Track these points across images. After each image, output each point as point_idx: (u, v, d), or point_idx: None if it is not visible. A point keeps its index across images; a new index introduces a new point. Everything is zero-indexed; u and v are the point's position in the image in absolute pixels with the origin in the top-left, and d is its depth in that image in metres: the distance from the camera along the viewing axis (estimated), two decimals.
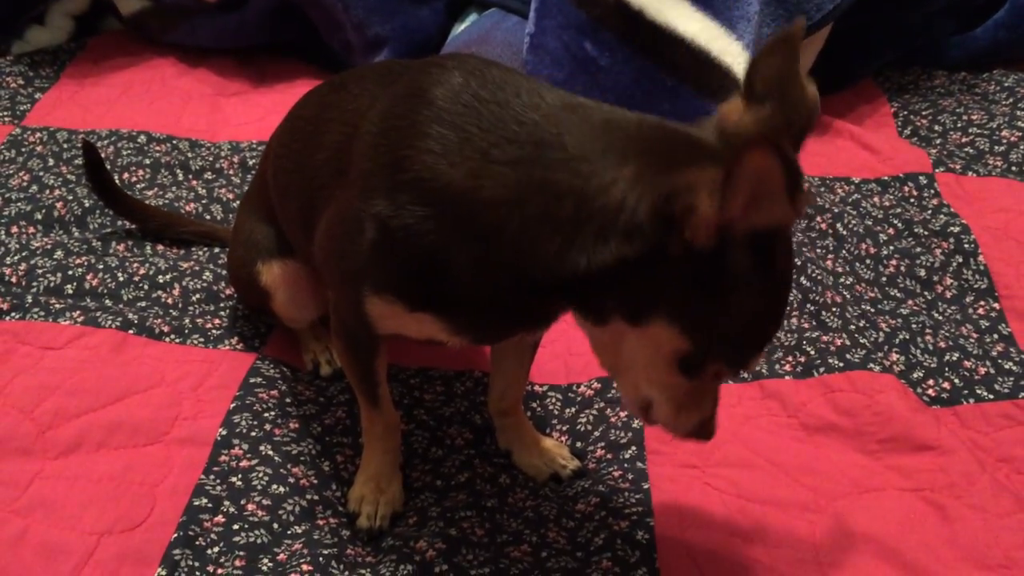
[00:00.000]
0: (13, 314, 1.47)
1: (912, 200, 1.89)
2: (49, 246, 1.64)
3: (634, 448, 1.35)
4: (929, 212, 1.83)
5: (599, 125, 0.93)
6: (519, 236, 0.92)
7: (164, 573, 1.13)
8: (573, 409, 1.45)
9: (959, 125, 2.09)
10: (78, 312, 1.49)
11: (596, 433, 1.40)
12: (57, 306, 1.50)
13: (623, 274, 0.89)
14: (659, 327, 0.91)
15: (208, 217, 1.81)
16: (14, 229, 1.69)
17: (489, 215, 0.93)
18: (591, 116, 0.94)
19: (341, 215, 1.08)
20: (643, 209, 0.85)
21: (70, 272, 1.58)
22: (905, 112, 2.18)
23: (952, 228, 1.75)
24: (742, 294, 0.88)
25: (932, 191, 1.90)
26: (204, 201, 1.83)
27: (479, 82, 0.98)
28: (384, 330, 1.12)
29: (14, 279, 1.56)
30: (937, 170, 1.95)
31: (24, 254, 1.61)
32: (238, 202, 1.83)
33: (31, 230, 1.69)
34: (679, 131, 0.94)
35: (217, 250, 1.71)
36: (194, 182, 1.89)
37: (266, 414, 1.38)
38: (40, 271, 1.57)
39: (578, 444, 1.40)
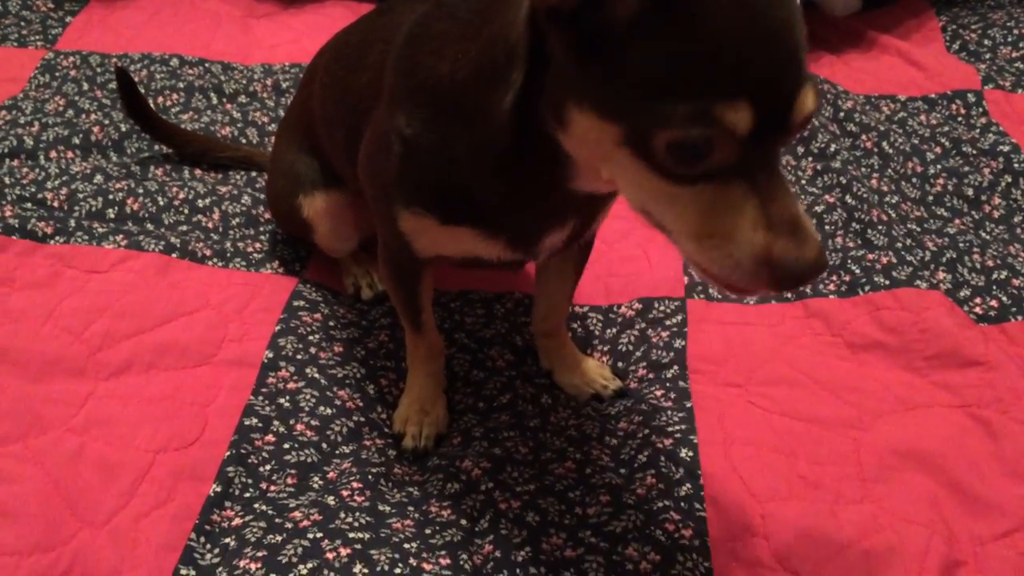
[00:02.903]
0: (57, 238, 1.48)
1: (960, 119, 1.84)
2: (89, 170, 1.64)
3: (676, 368, 1.36)
4: (977, 131, 1.79)
5: None
6: (484, 102, 0.88)
7: (219, 489, 1.16)
8: (614, 330, 1.45)
9: (1010, 40, 2.03)
10: (121, 236, 1.50)
11: (638, 353, 1.41)
12: (100, 230, 1.51)
13: (543, 88, 0.83)
14: (583, 120, 0.80)
15: (244, 141, 1.80)
16: (53, 154, 1.69)
17: (467, 93, 0.91)
18: None
19: (375, 133, 1.08)
20: (521, 19, 0.81)
21: (111, 196, 1.58)
22: (954, 26, 2.11)
23: (1001, 147, 1.71)
24: (641, 33, 0.73)
25: (980, 109, 1.85)
26: (239, 125, 1.82)
27: None
28: (423, 250, 1.11)
29: (56, 203, 1.56)
30: (986, 87, 1.90)
31: (64, 179, 1.61)
32: (273, 126, 1.83)
33: (70, 155, 1.69)
34: None
35: (254, 174, 1.71)
36: (228, 106, 1.88)
37: (311, 337, 1.39)
38: (81, 195, 1.58)
39: (619, 364, 1.40)
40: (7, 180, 1.59)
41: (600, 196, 1.04)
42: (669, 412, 1.29)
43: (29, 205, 1.55)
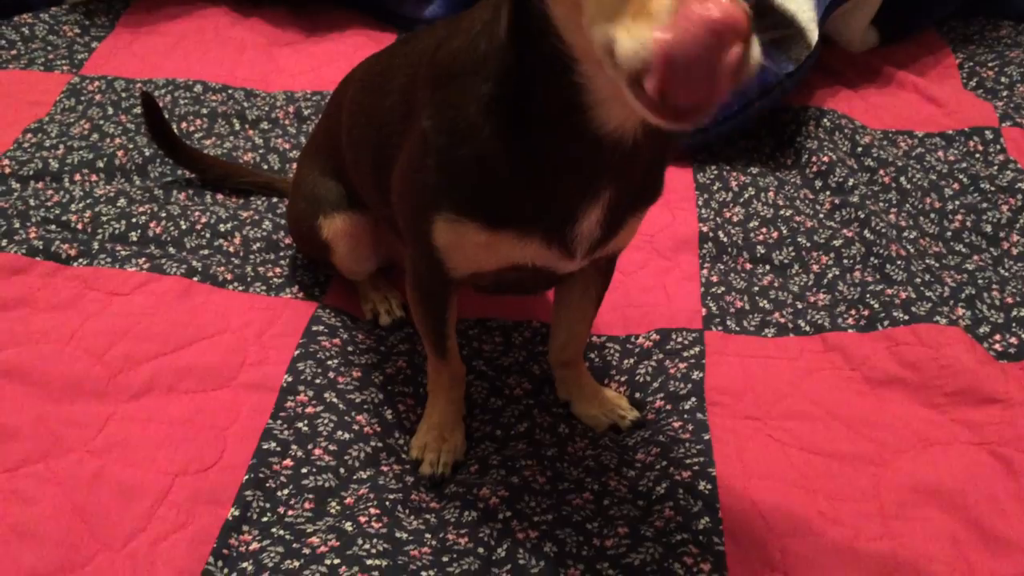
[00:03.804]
0: (81, 260, 1.49)
1: (978, 155, 1.85)
2: (112, 194, 1.66)
3: (694, 399, 1.36)
4: (995, 168, 1.79)
5: None
6: (493, 34, 0.93)
7: (237, 513, 1.16)
8: (632, 360, 1.45)
9: None
10: (143, 259, 1.51)
11: (655, 384, 1.41)
12: (123, 253, 1.52)
13: None
14: None
15: (265, 167, 1.82)
16: (77, 177, 1.71)
17: (480, 42, 0.95)
18: None
19: (410, 152, 1.08)
20: None
21: (134, 220, 1.60)
22: (970, 63, 2.12)
23: (1020, 184, 1.71)
24: None
25: (998, 146, 1.85)
26: (261, 151, 1.84)
27: None
28: (456, 268, 1.10)
29: (80, 226, 1.58)
30: (1004, 124, 1.90)
31: (88, 201, 1.63)
32: (294, 152, 1.85)
33: (94, 178, 1.71)
34: None
35: (275, 200, 1.72)
36: (251, 132, 1.90)
37: (329, 362, 1.40)
38: (105, 218, 1.59)
39: (637, 395, 1.40)
40: (32, 202, 1.61)
41: (629, 156, 0.96)
42: (687, 444, 1.28)
43: (53, 227, 1.57)
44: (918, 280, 1.52)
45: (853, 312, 1.47)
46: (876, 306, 1.47)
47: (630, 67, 0.69)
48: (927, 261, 1.58)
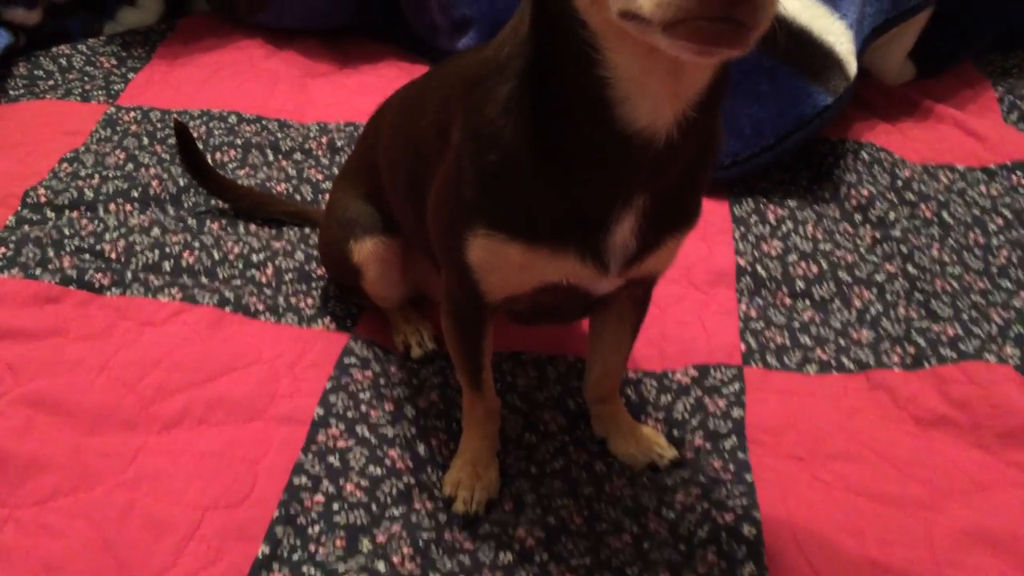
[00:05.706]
0: (114, 289, 1.49)
1: (1021, 190, 1.81)
2: (146, 223, 1.65)
3: (734, 438, 1.32)
4: None
5: None
6: (516, 36, 0.95)
7: (267, 550, 1.13)
8: (669, 397, 1.42)
9: None
10: (176, 289, 1.50)
11: (694, 422, 1.37)
12: (156, 283, 1.51)
13: None
14: None
15: (298, 197, 1.81)
16: (112, 206, 1.71)
17: (504, 50, 0.96)
18: None
19: (444, 170, 1.07)
20: None
21: (167, 249, 1.59)
22: (1011, 97, 2.09)
23: None
24: None
25: None
26: (294, 181, 1.84)
27: None
28: (491, 289, 1.07)
29: (113, 255, 1.58)
30: None
31: (123, 231, 1.63)
32: (327, 184, 1.84)
33: (128, 207, 1.71)
34: None
35: (308, 230, 1.71)
36: (284, 162, 1.90)
37: (361, 395, 1.37)
38: (138, 248, 1.59)
39: (675, 432, 1.37)
40: (67, 231, 1.61)
41: (662, 159, 0.92)
42: (729, 485, 1.25)
43: (87, 256, 1.57)
44: (965, 316, 1.48)
45: (898, 349, 1.44)
46: (922, 343, 1.43)
47: (663, 17, 0.70)
48: (973, 297, 1.54)
